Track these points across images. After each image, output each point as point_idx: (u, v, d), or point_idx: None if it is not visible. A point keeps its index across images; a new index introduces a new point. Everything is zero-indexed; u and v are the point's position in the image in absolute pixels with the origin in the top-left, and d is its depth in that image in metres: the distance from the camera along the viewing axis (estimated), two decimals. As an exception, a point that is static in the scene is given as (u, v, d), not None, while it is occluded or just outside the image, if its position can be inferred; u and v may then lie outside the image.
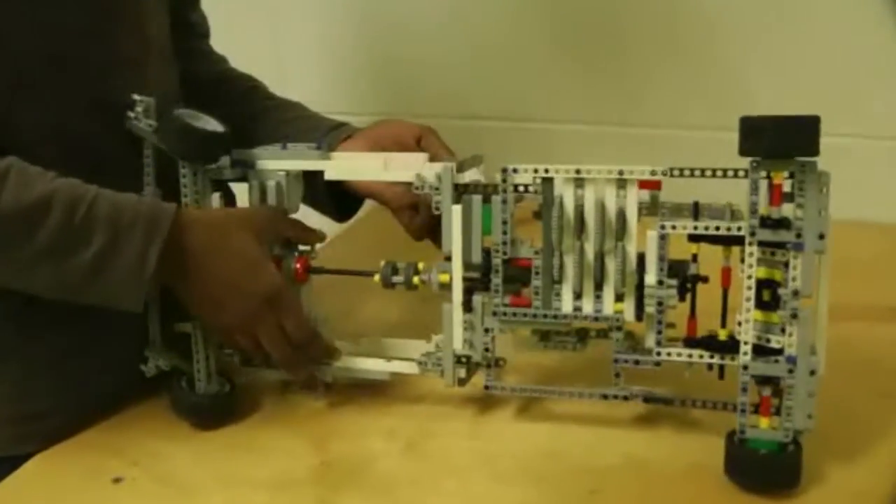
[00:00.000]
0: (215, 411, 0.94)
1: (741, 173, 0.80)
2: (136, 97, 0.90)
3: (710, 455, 0.82)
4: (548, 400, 0.92)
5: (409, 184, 0.88)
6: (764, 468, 0.79)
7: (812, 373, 0.78)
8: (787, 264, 0.78)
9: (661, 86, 1.42)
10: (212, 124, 0.89)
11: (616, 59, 1.44)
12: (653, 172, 0.81)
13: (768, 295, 0.80)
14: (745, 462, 0.79)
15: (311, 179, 0.97)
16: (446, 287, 0.88)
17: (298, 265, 0.92)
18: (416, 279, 0.89)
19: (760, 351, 0.80)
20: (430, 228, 0.98)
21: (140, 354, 0.95)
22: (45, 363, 0.94)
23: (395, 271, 0.90)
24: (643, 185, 0.83)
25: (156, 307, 0.94)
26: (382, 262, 0.90)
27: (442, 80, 1.56)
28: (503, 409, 0.93)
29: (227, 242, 0.88)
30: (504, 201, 0.84)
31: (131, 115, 0.90)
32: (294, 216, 0.95)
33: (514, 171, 0.84)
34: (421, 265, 0.90)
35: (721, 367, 0.83)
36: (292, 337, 0.91)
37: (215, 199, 0.92)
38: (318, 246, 0.95)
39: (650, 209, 0.84)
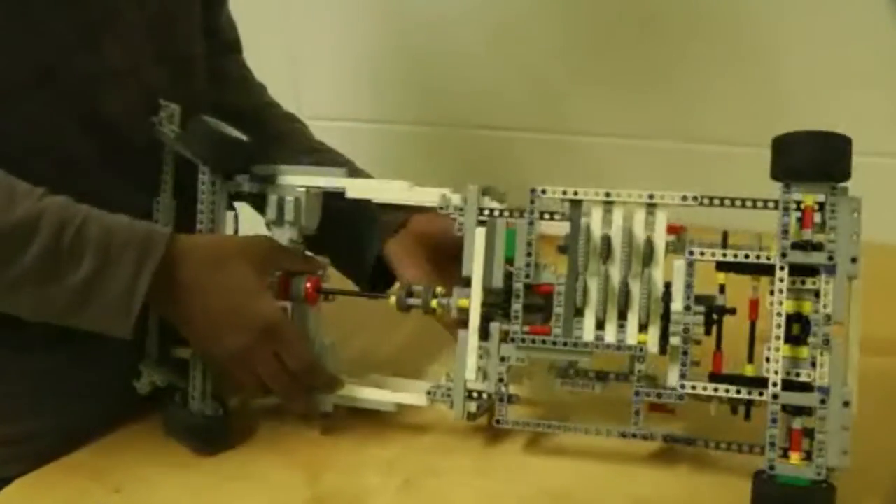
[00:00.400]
0: (210, 433, 0.89)
1: (770, 204, 0.79)
2: (163, 102, 0.90)
3: (728, 499, 0.78)
4: (558, 434, 0.87)
5: None
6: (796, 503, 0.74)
7: (846, 404, 0.74)
8: (817, 294, 0.77)
9: (701, 99, 1.34)
10: (237, 133, 0.89)
11: (654, 70, 1.37)
12: (683, 198, 0.80)
13: (797, 329, 0.78)
14: (775, 500, 0.75)
15: (359, 258, 0.97)
16: (465, 312, 0.85)
17: (309, 285, 0.89)
18: (434, 303, 0.86)
19: (789, 386, 0.76)
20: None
21: (130, 375, 0.92)
22: (30, 384, 0.90)
23: (411, 294, 0.88)
24: (669, 230, 0.82)
25: (155, 319, 0.90)
26: (397, 285, 0.88)
27: (468, 88, 1.45)
28: (511, 443, 0.88)
29: (223, 272, 0.85)
30: (531, 223, 0.83)
31: (155, 119, 0.89)
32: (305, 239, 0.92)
33: (543, 192, 0.83)
34: (439, 289, 0.87)
35: (748, 407, 0.80)
36: (291, 368, 0.87)
37: (230, 218, 0.90)
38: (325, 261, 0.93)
39: (676, 245, 0.82)
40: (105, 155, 0.89)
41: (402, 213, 0.96)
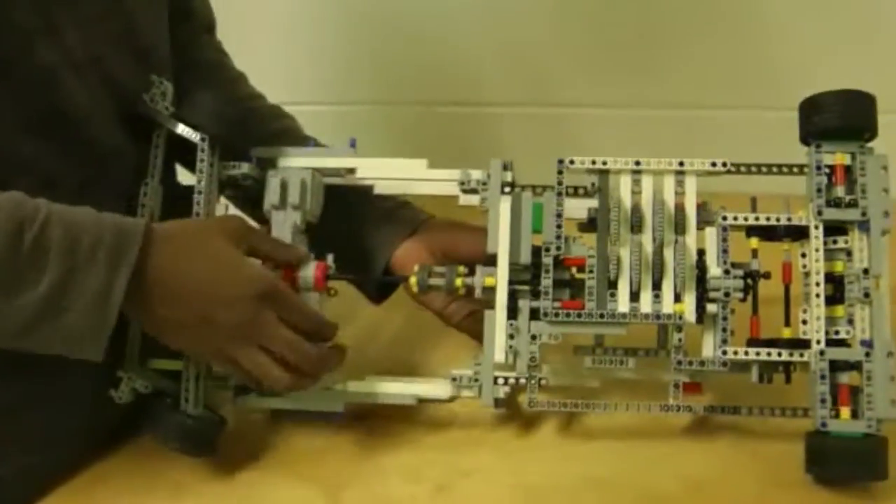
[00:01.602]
0: (205, 436, 0.81)
1: (795, 169, 0.81)
2: (155, 78, 0.83)
3: (776, 471, 0.77)
4: (586, 418, 0.84)
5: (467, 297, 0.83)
6: (853, 457, 0.74)
7: (889, 354, 0.75)
8: (848, 253, 0.78)
9: (687, 64, 1.30)
10: None
11: (637, 37, 1.31)
12: (713, 165, 0.80)
13: (830, 289, 0.79)
14: (832, 456, 0.74)
15: (367, 264, 0.90)
16: (490, 292, 0.81)
17: (318, 271, 0.82)
18: (458, 281, 0.82)
19: (829, 345, 0.77)
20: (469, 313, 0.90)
21: (98, 408, 0.82)
22: None
23: (431, 274, 0.83)
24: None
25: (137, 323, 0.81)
26: (416, 267, 0.83)
27: (447, 63, 1.36)
28: (539, 433, 0.84)
29: (201, 251, 0.76)
30: (559, 194, 0.81)
31: (146, 97, 0.82)
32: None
33: (571, 162, 0.81)
34: (462, 268, 0.83)
35: (788, 369, 0.79)
36: (302, 328, 0.78)
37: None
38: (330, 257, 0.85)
39: (701, 215, 0.81)
40: (70, 158, 0.79)
41: (411, 218, 0.92)
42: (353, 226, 0.92)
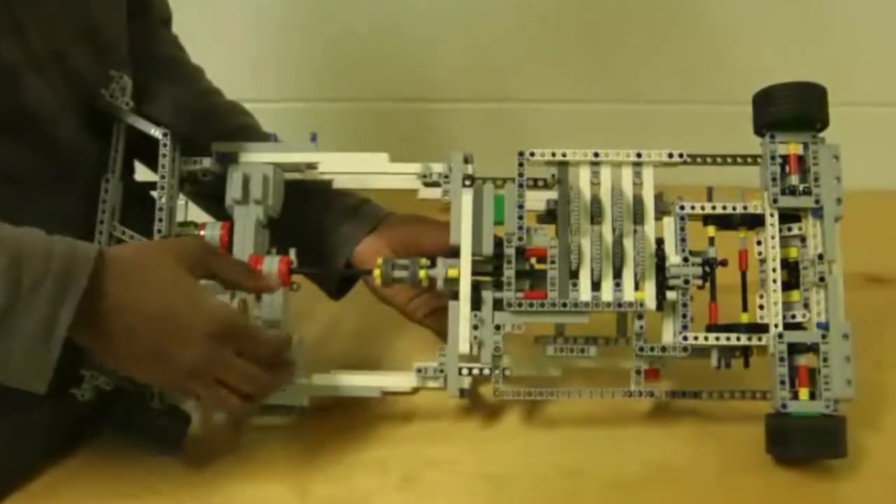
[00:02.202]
0: (175, 432, 0.80)
1: (749, 160, 0.83)
2: (115, 73, 0.82)
3: (739, 453, 0.79)
4: (549, 407, 0.85)
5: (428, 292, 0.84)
6: (813, 436, 0.75)
7: (845, 336, 0.77)
8: (802, 239, 0.81)
9: (644, 60, 1.31)
10: None
11: (598, 32, 1.31)
12: (670, 156, 0.82)
13: (785, 275, 0.81)
14: (792, 434, 0.76)
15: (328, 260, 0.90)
16: (454, 283, 0.82)
17: (282, 265, 0.82)
18: (422, 273, 0.82)
19: (786, 329, 0.79)
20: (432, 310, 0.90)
21: (56, 411, 0.80)
22: None
23: (396, 268, 0.83)
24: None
25: None
26: (379, 260, 0.83)
27: (405, 59, 1.33)
28: (504, 423, 0.85)
29: (154, 278, 0.72)
30: (521, 185, 0.82)
31: (105, 92, 0.82)
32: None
33: (531, 154, 0.82)
34: (424, 260, 0.83)
35: (746, 354, 0.81)
36: (263, 357, 0.76)
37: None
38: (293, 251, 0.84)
39: (658, 206, 0.83)
40: (33, 154, 0.78)
41: (372, 214, 0.92)
42: (315, 223, 0.91)
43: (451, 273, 0.82)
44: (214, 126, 0.92)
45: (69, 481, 0.82)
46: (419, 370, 0.83)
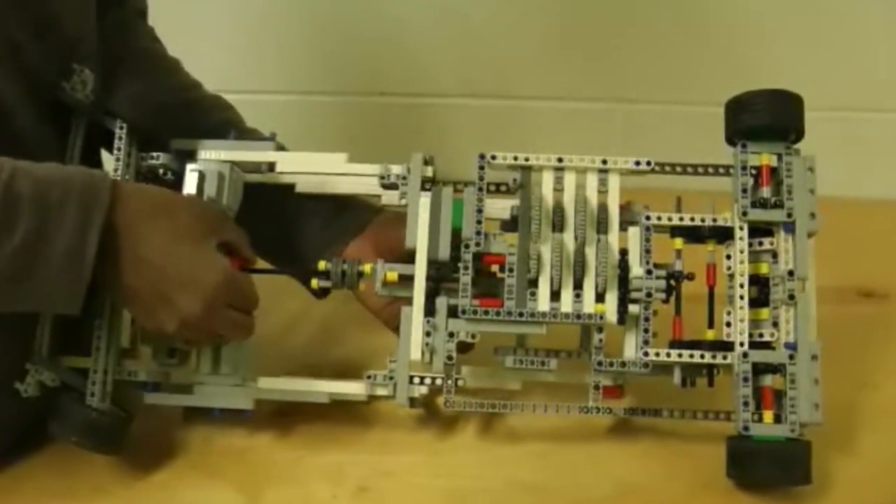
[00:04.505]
0: (113, 430, 0.78)
1: (721, 170, 0.79)
2: (76, 66, 0.80)
3: (705, 473, 0.75)
4: (511, 419, 0.82)
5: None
6: (775, 462, 0.71)
7: (814, 357, 0.73)
8: (773, 254, 0.77)
9: (646, 59, 1.26)
10: None
11: (598, 29, 1.26)
12: (637, 164, 0.79)
13: (755, 291, 0.77)
14: (753, 460, 0.72)
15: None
16: (391, 286, 0.79)
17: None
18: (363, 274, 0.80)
19: (753, 348, 0.75)
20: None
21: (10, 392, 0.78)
22: None
23: (338, 273, 0.80)
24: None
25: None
26: (322, 264, 0.81)
27: (391, 53, 1.30)
28: (464, 434, 0.82)
29: (172, 221, 0.75)
30: (480, 189, 0.79)
31: (66, 85, 0.80)
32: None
33: (493, 158, 0.79)
34: (368, 266, 0.81)
35: (711, 372, 0.77)
36: (244, 308, 0.79)
37: None
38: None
39: (625, 216, 0.79)
40: (35, 116, 0.78)
41: (358, 217, 0.90)
42: (301, 226, 0.90)
43: (389, 276, 0.79)
44: (195, 121, 0.90)
45: (23, 480, 0.80)
46: (368, 377, 0.80)
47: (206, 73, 0.97)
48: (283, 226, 0.90)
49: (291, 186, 0.87)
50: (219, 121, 0.92)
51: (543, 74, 1.27)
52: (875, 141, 1.18)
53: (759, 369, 0.74)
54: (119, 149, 0.80)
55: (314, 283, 0.82)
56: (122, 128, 0.81)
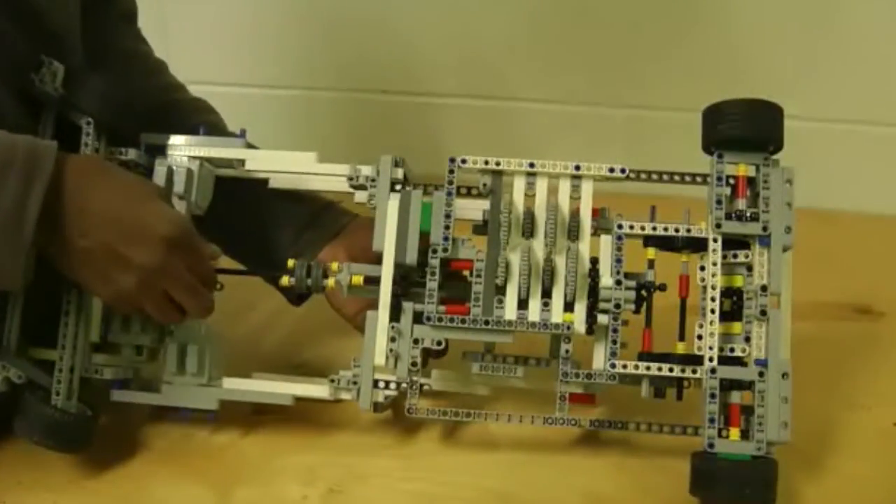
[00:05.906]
0: (76, 432, 0.78)
1: (699, 179, 0.77)
2: (45, 59, 0.79)
3: (677, 486, 0.73)
4: (485, 425, 0.80)
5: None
6: (739, 480, 0.69)
7: (784, 375, 0.71)
8: (748, 268, 0.75)
9: (641, 64, 1.26)
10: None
11: (589, 33, 1.26)
12: (611, 170, 0.77)
13: (728, 304, 0.75)
14: (717, 477, 0.70)
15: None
16: (356, 290, 0.78)
17: None
18: (331, 281, 0.79)
19: (723, 362, 0.73)
20: None
21: None
22: None
23: (302, 272, 0.80)
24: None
25: (18, 301, 0.78)
26: (291, 263, 0.80)
27: (394, 51, 1.30)
28: (436, 439, 0.81)
29: (119, 178, 0.75)
30: (449, 193, 0.77)
31: (35, 77, 0.79)
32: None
33: (463, 161, 0.78)
34: (335, 265, 0.80)
35: (680, 386, 0.75)
36: (199, 275, 0.78)
37: None
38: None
39: (599, 223, 0.78)
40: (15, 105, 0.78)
41: (333, 221, 0.90)
42: (276, 232, 0.89)
43: (355, 280, 0.78)
44: (175, 122, 0.89)
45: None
46: (332, 380, 0.79)
47: (207, 69, 0.97)
48: (258, 230, 0.89)
49: (271, 191, 0.86)
50: (199, 123, 0.91)
51: (545, 77, 1.27)
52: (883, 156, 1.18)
53: (729, 385, 0.73)
54: (87, 144, 0.79)
55: (285, 279, 0.81)
56: (88, 123, 0.80)
